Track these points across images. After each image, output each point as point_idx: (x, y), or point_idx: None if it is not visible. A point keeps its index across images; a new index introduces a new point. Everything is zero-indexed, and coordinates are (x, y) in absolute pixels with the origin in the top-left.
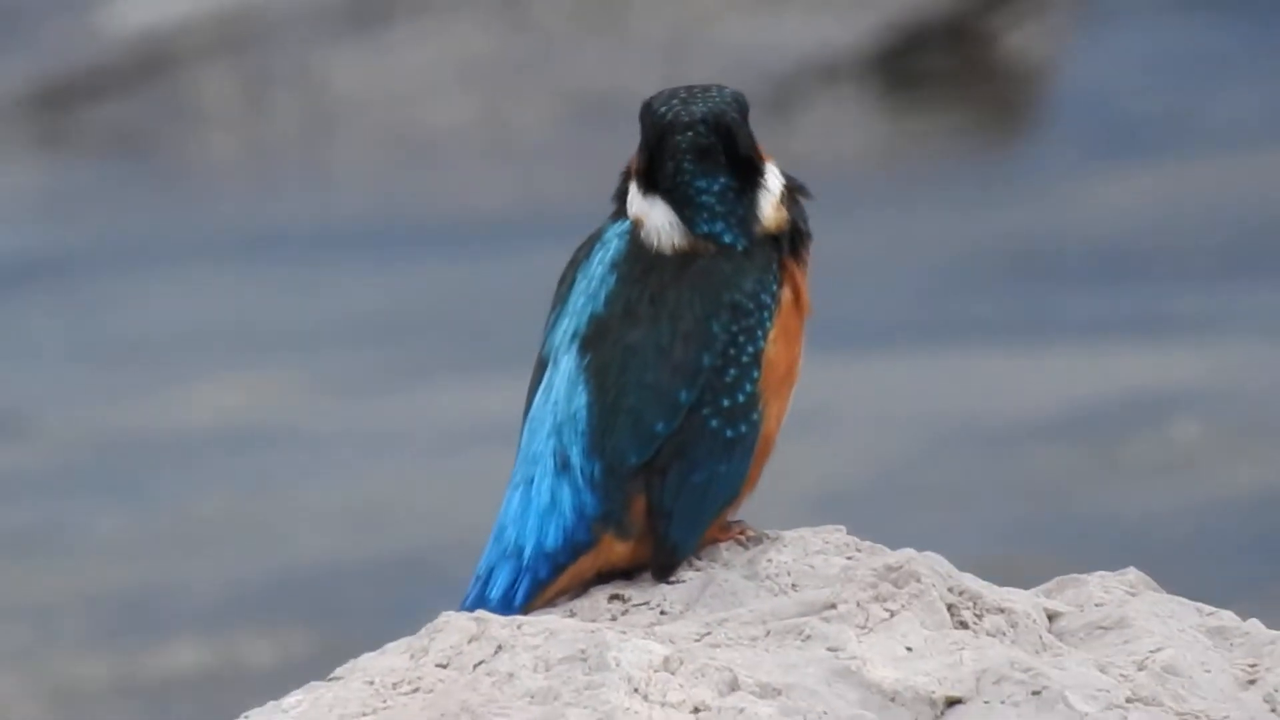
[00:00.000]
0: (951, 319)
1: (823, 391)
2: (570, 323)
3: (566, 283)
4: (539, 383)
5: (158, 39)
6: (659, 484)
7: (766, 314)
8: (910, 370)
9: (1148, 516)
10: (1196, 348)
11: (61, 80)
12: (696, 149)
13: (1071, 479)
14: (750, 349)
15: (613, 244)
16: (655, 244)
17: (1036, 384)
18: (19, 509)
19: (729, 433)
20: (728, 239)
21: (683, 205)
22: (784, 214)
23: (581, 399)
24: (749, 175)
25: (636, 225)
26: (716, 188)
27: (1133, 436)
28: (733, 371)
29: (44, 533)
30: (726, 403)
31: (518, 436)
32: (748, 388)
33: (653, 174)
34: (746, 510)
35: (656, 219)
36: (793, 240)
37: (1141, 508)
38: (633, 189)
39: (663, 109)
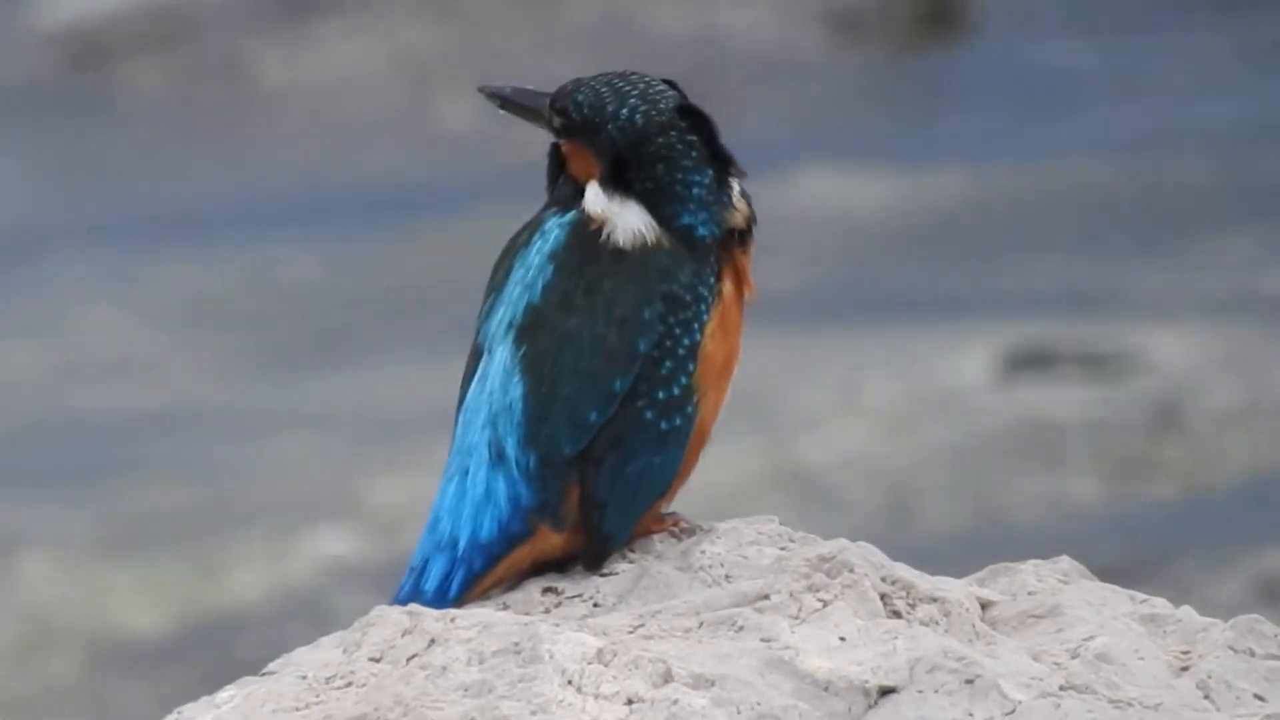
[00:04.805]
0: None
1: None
2: (506, 312)
3: (503, 270)
4: (474, 372)
5: (87, 33)
6: (593, 475)
7: (704, 307)
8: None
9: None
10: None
11: None
12: (684, 144)
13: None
14: (686, 341)
15: (553, 234)
16: (621, 243)
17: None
18: None
19: (664, 425)
20: (702, 231)
21: (664, 203)
22: (746, 204)
23: (517, 389)
24: (723, 165)
25: (597, 223)
26: (708, 181)
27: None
28: (669, 364)
29: None
30: (662, 395)
31: (452, 426)
32: (683, 380)
33: (623, 176)
34: (680, 502)
35: (630, 221)
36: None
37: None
38: (593, 190)
39: (622, 111)
